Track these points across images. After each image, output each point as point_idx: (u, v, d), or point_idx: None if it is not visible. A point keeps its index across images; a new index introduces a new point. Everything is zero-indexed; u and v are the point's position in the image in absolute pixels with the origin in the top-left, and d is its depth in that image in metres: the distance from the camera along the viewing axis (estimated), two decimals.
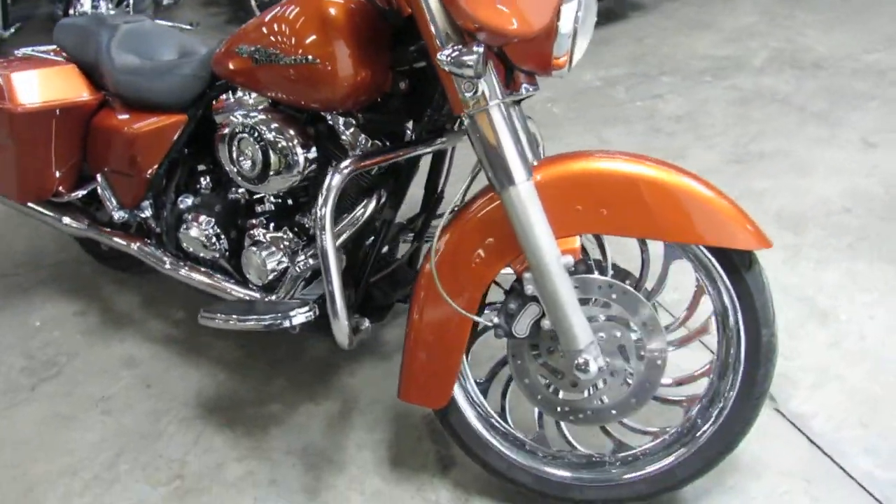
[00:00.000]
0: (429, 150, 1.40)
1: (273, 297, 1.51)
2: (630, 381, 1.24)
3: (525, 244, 1.15)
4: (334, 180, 1.22)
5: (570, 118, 3.03)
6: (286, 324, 1.40)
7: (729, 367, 1.24)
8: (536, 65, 1.20)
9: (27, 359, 1.95)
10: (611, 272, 1.29)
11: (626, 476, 1.31)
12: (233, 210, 1.63)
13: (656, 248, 1.26)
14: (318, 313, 1.41)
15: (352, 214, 1.45)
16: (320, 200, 1.21)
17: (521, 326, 1.23)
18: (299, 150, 1.38)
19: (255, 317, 1.41)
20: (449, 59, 1.07)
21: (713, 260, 1.20)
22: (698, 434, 1.27)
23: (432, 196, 1.63)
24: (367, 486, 1.47)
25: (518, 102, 1.27)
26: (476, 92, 1.12)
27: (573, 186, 1.18)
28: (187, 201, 1.70)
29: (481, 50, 1.07)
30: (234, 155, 1.45)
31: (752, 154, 2.58)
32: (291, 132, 1.39)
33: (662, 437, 1.32)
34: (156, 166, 1.70)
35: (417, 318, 1.30)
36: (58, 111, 1.75)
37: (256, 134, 1.39)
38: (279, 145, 1.38)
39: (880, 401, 1.54)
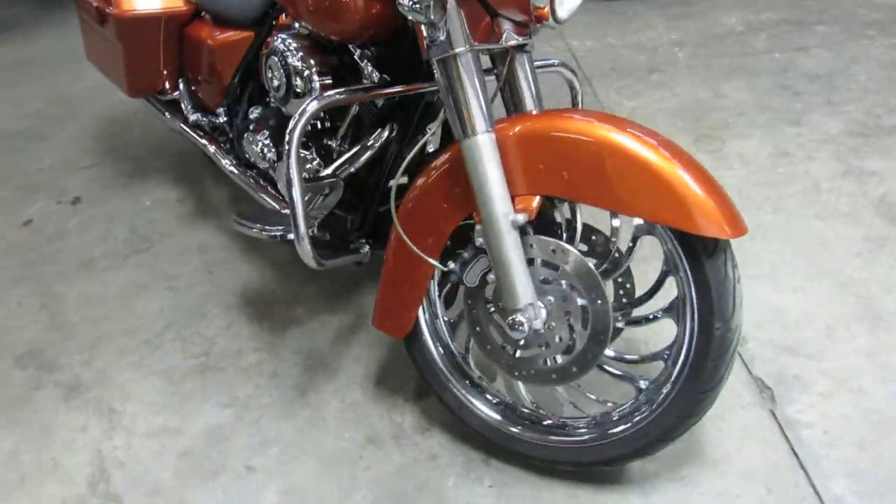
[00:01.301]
0: (424, 89, 1.39)
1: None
2: (572, 349, 1.21)
3: (477, 196, 1.14)
4: (310, 106, 1.24)
5: (692, 65, 2.78)
6: (290, 237, 1.51)
7: (681, 355, 1.17)
8: (517, 12, 1.15)
9: (130, 232, 2.26)
10: (578, 236, 1.24)
11: (564, 441, 1.30)
12: (282, 126, 1.74)
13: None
14: (317, 232, 1.51)
15: (361, 144, 1.50)
16: (291, 123, 1.25)
17: (472, 276, 1.24)
18: (316, 77, 1.44)
19: (266, 227, 1.53)
20: (409, 1, 1.06)
21: (675, 242, 1.12)
22: (638, 417, 1.22)
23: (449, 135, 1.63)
24: (347, 396, 1.58)
25: (521, 50, 1.23)
26: (439, 37, 1.10)
27: (537, 144, 1.14)
28: (255, 113, 1.84)
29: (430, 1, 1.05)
30: (268, 75, 1.55)
31: (882, 129, 2.24)
32: (312, 60, 1.45)
33: (610, 412, 1.29)
34: (230, 77, 1.85)
35: (390, 255, 1.34)
36: (158, 19, 1.94)
37: (282, 57, 1.47)
38: (300, 70, 1.45)
39: (895, 427, 1.36)
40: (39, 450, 1.55)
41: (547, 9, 1.10)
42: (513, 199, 1.16)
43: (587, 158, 1.10)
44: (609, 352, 1.32)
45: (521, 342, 1.23)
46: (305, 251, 1.29)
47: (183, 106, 1.97)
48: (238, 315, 1.86)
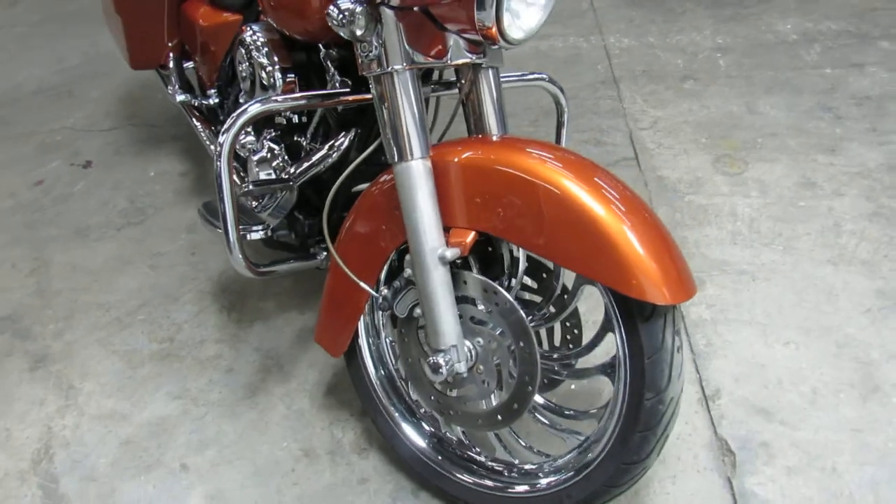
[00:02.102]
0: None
1: (254, 206, 1.56)
2: (496, 397, 1.12)
3: (406, 225, 1.05)
4: (243, 114, 1.16)
5: (732, 75, 2.57)
6: (248, 237, 1.46)
7: (611, 420, 1.06)
8: (465, 30, 1.04)
9: (129, 202, 2.26)
10: (519, 276, 1.15)
11: (491, 487, 1.22)
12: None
13: None
14: (269, 235, 1.45)
15: (323, 146, 1.42)
16: (223, 128, 1.18)
17: (402, 307, 1.16)
18: (278, 74, 1.37)
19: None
20: (336, 13, 0.97)
21: (612, 299, 1.01)
22: (565, 476, 1.12)
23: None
24: (295, 402, 1.54)
25: (484, 68, 1.13)
26: (371, 52, 1.01)
27: (475, 176, 1.04)
28: (243, 98, 1.78)
29: (357, 9, 0.96)
30: (237, 65, 1.48)
31: None
32: (277, 56, 1.37)
33: (540, 464, 1.20)
34: (220, 60, 1.79)
35: (331, 270, 1.28)
36: None
37: (248, 50, 1.40)
38: (264, 65, 1.38)
39: None
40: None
41: (494, 29, 0.98)
42: (448, 230, 1.07)
43: (524, 198, 0.99)
44: (540, 399, 1.23)
45: (443, 383, 1.15)
46: (235, 259, 1.23)
47: (171, 84, 1.94)
48: (210, 302, 1.83)
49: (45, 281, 1.97)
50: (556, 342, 1.28)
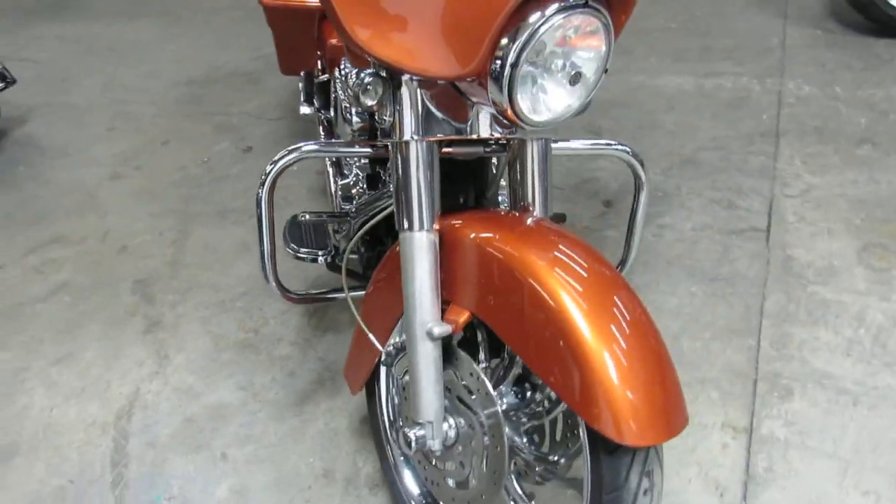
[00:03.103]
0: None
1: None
2: (469, 482, 1.09)
3: (403, 292, 1.05)
4: (283, 158, 1.22)
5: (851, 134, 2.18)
6: (313, 261, 1.54)
7: None
8: (488, 105, 1.00)
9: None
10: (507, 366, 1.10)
11: None
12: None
13: None
14: (329, 261, 1.51)
15: (383, 189, 1.45)
16: (269, 166, 1.24)
17: (399, 369, 1.16)
18: (354, 113, 1.41)
19: (300, 246, 1.56)
20: (351, 80, 0.98)
21: (582, 421, 0.93)
22: None
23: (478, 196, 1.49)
24: (334, 420, 1.61)
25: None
26: (386, 119, 1.01)
27: (476, 259, 1.00)
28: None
29: (368, 79, 0.96)
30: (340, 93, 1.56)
31: None
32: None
33: None
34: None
35: (359, 317, 1.31)
36: (297, 10, 2.04)
37: (341, 83, 1.47)
38: (346, 100, 1.44)
39: None
40: (106, 369, 1.82)
41: (510, 111, 0.93)
42: (448, 305, 1.05)
43: (515, 296, 0.94)
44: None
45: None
46: (272, 289, 1.31)
47: (301, 94, 2.08)
48: (290, 307, 1.96)
49: (179, 253, 2.23)
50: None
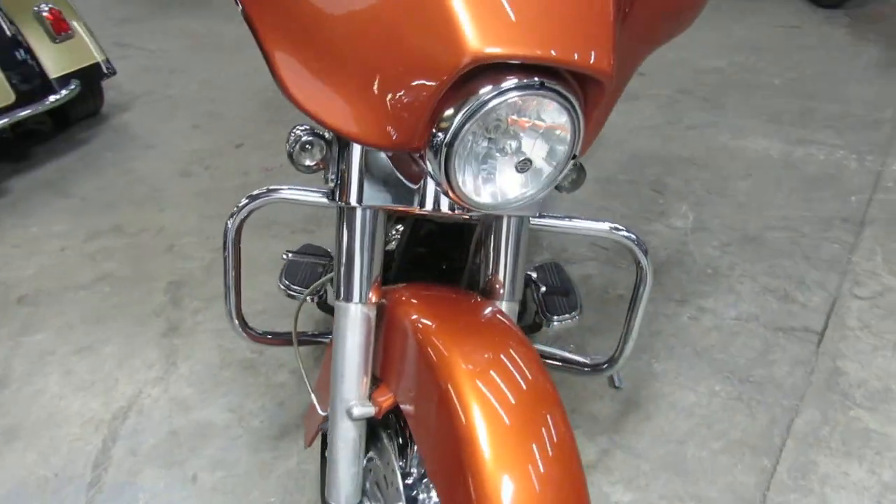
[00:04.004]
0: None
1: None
2: None
3: (332, 365, 0.99)
4: (246, 204, 1.18)
5: None
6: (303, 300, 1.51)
7: None
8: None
9: (314, 210, 2.49)
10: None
11: None
12: None
13: None
14: (317, 301, 1.48)
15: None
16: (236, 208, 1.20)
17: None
18: None
19: (289, 281, 1.53)
20: (293, 138, 0.93)
21: None
22: None
23: (470, 258, 1.40)
24: (305, 462, 1.57)
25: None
26: (330, 180, 0.95)
27: (404, 341, 0.93)
28: None
29: (304, 138, 0.90)
30: None
31: None
32: None
33: None
34: None
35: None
36: None
37: None
38: None
39: None
40: (117, 366, 1.88)
41: (448, 189, 0.83)
42: (379, 383, 0.99)
43: (428, 392, 0.86)
44: None
45: None
46: (233, 324, 1.29)
47: None
48: (312, 330, 1.94)
49: (216, 260, 2.28)
50: None
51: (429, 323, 0.92)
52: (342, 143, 0.92)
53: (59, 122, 3.17)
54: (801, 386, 1.61)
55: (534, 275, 1.59)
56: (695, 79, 3.13)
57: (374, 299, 0.96)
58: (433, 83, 0.72)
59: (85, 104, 3.16)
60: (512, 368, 0.86)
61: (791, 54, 3.27)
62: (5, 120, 2.65)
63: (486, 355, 0.87)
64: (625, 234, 1.23)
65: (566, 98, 0.76)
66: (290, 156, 0.92)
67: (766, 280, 1.92)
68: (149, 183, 2.76)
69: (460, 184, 0.79)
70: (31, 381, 1.85)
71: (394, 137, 0.80)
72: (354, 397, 0.96)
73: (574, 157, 0.83)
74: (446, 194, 0.83)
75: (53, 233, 2.50)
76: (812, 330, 1.76)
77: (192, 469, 1.58)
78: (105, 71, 3.01)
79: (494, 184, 0.82)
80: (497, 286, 1.02)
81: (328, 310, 1.55)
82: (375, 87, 0.80)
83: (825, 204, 2.20)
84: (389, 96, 0.78)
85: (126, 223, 2.50)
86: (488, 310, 1.00)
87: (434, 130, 0.75)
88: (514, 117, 0.78)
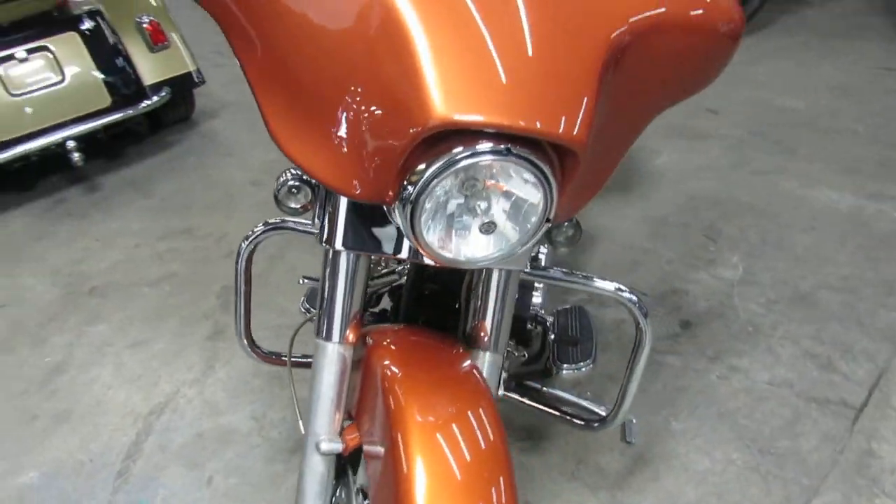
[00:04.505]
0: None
1: None
2: None
3: (309, 397, 1.02)
4: (258, 232, 1.23)
5: None
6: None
7: None
8: None
9: None
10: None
11: None
12: None
13: None
14: None
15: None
16: (243, 244, 1.25)
17: None
18: None
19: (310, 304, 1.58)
20: (281, 180, 0.97)
21: None
22: None
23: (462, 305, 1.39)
24: None
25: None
26: (316, 222, 0.97)
27: (374, 385, 0.95)
28: None
29: (291, 183, 0.93)
30: None
31: None
32: None
33: None
34: None
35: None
36: None
37: None
38: None
39: None
40: (163, 364, 2.00)
41: (416, 243, 0.84)
42: (351, 421, 1.01)
43: (382, 440, 0.88)
44: None
45: None
46: (241, 342, 1.34)
47: None
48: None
49: (269, 270, 2.37)
50: None
51: (396, 370, 0.94)
52: (329, 190, 0.95)
53: (154, 124, 3.40)
54: (826, 464, 1.50)
55: (550, 319, 1.57)
56: (769, 119, 2.98)
57: (352, 339, 0.98)
58: (401, 141, 0.74)
59: (176, 110, 3.37)
60: (468, 427, 0.86)
61: (879, 99, 3.05)
62: (99, 122, 2.87)
63: (445, 410, 0.88)
64: (627, 295, 1.20)
65: (536, 165, 0.76)
66: (276, 197, 0.96)
67: (810, 344, 1.81)
68: (223, 189, 2.91)
69: (427, 238, 0.80)
70: (89, 369, 2.00)
71: (367, 188, 0.82)
72: (325, 432, 0.98)
73: (548, 220, 0.82)
74: (414, 247, 0.84)
75: (131, 230, 2.68)
76: (850, 405, 1.64)
77: (210, 472, 1.66)
78: (195, 80, 3.19)
79: (460, 241, 0.82)
80: (482, 336, 1.02)
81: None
82: (351, 138, 0.82)
83: (890, 266, 2.04)
84: (363, 148, 0.80)
85: (196, 226, 2.65)
86: (465, 363, 1.00)
87: (404, 184, 0.76)
88: (482, 179, 0.78)
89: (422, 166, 0.75)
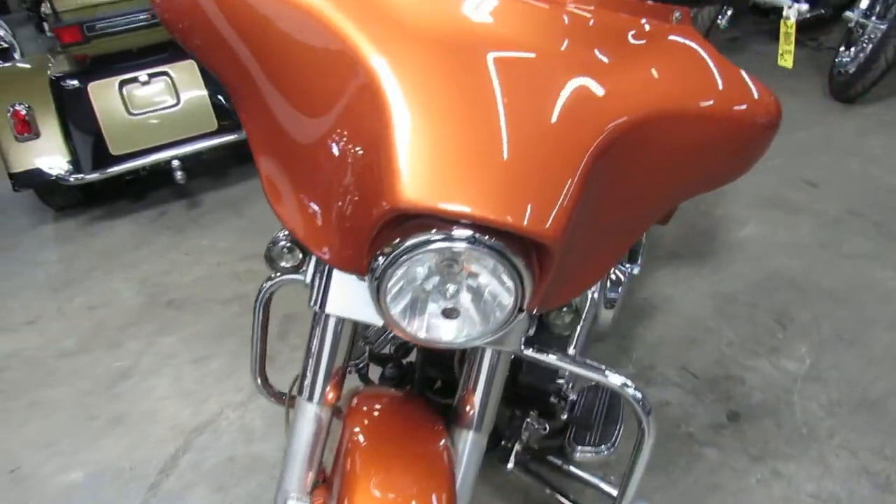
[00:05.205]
0: None
1: None
2: None
3: (284, 456, 1.04)
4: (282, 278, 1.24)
5: None
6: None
7: None
8: None
9: None
10: None
11: None
12: None
13: None
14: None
15: None
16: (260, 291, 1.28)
17: None
18: None
19: None
20: (272, 241, 1.00)
21: None
22: None
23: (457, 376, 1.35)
24: None
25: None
26: (307, 284, 0.99)
27: (344, 449, 0.96)
28: None
29: (282, 243, 0.96)
30: None
31: None
32: None
33: None
34: None
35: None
36: None
37: None
38: None
39: None
40: (216, 382, 2.11)
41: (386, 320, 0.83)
42: (322, 483, 1.03)
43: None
44: None
45: None
46: (257, 385, 1.38)
47: None
48: None
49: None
50: None
51: (363, 439, 0.95)
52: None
53: None
54: None
55: (573, 396, 1.51)
56: (874, 198, 2.73)
57: (332, 398, 1.00)
58: (370, 218, 0.75)
59: None
60: None
61: None
62: (205, 144, 3.08)
63: (401, 489, 0.87)
64: (632, 392, 1.14)
65: (506, 256, 0.74)
66: (268, 256, 0.99)
67: (869, 458, 1.62)
68: None
69: (392, 314, 0.80)
70: (149, 379, 2.13)
71: (341, 257, 0.84)
72: (294, 490, 1.00)
73: (521, 310, 0.80)
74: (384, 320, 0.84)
75: (218, 248, 2.85)
76: None
77: (232, 498, 1.72)
78: None
79: (424, 321, 0.81)
80: (467, 413, 1.01)
81: (366, 380, 1.60)
82: (330, 207, 0.85)
83: None
84: (341, 219, 0.83)
85: None
86: (441, 442, 0.99)
87: (376, 255, 0.76)
88: (451, 263, 0.78)
89: (388, 247, 0.75)
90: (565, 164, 0.75)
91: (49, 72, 2.99)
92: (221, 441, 1.89)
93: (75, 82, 2.92)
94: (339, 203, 0.82)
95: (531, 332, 1.05)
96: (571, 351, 1.52)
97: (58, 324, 2.45)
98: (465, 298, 0.80)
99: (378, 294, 0.77)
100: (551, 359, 1.14)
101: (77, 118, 2.93)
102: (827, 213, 2.66)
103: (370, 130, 0.76)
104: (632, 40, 0.89)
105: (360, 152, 0.79)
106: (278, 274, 1.26)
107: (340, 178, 0.81)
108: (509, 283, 0.76)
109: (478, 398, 1.00)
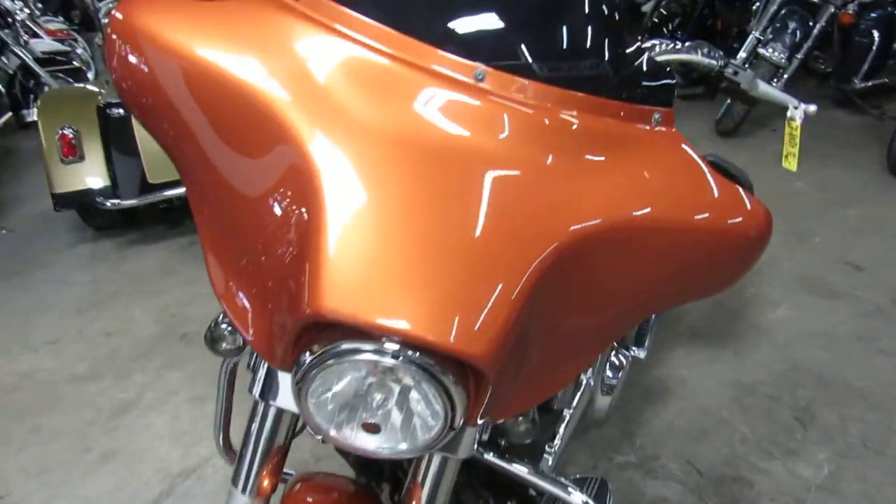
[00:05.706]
0: None
1: None
2: None
3: None
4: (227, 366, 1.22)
5: None
6: None
7: None
8: None
9: None
10: None
11: None
12: None
13: None
14: None
15: None
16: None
17: None
18: None
19: None
20: (213, 324, 0.97)
21: None
22: None
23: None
24: None
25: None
26: (249, 369, 0.96)
27: None
28: None
29: (224, 326, 0.94)
30: None
31: None
32: None
33: None
34: None
35: None
36: None
37: None
38: None
39: None
40: (210, 426, 2.08)
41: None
42: None
43: None
44: None
45: None
46: (221, 453, 1.34)
47: None
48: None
49: None
50: None
51: None
52: None
53: None
54: None
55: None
56: None
57: (266, 485, 0.96)
58: (290, 321, 0.72)
59: None
60: None
61: None
62: None
63: None
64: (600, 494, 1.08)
65: (430, 373, 0.70)
66: (207, 338, 0.97)
67: None
68: None
69: (315, 419, 0.76)
70: (147, 416, 2.13)
71: (268, 351, 0.81)
72: None
73: (452, 429, 0.74)
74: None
75: None
76: None
77: None
78: None
79: (346, 431, 0.77)
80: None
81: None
82: (263, 303, 0.83)
83: None
84: (270, 316, 0.80)
85: None
86: None
87: (300, 355, 0.73)
88: (377, 376, 0.73)
89: (308, 352, 0.72)
90: (507, 279, 0.70)
91: (99, 98, 3.10)
92: (205, 489, 1.86)
93: (121, 111, 3.02)
94: (271, 299, 0.80)
95: (485, 436, 0.99)
96: (552, 446, 1.43)
97: (76, 347, 2.49)
98: (393, 411, 0.75)
99: (300, 398, 0.74)
100: (514, 468, 1.07)
101: (120, 145, 3.02)
102: (869, 301, 2.48)
103: (304, 232, 0.74)
104: (599, 146, 0.83)
105: (293, 251, 0.77)
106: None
107: (274, 272, 0.79)
108: (436, 402, 0.71)
109: (424, 502, 0.93)
